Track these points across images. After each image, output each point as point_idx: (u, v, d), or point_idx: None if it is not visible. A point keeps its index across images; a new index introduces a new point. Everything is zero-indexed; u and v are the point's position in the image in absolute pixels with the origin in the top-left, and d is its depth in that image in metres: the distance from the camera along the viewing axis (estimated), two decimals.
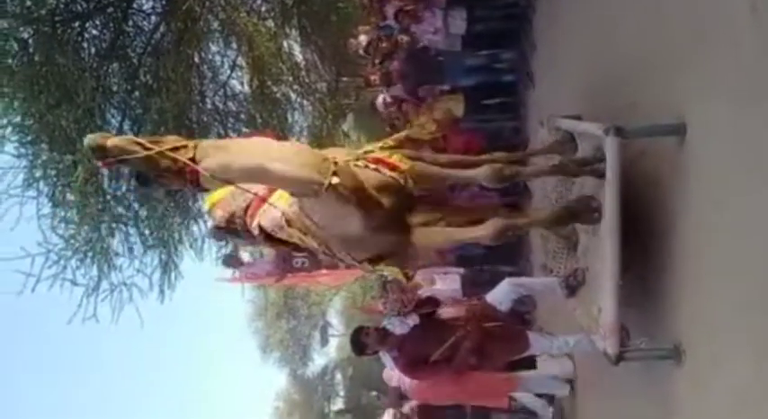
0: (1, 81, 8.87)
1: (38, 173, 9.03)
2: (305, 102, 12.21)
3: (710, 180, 2.87)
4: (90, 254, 9.17)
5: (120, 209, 9.59)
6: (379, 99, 8.08)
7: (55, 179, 9.10)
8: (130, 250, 9.64)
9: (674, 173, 3.17)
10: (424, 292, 7.64)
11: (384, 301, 5.43)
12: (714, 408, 2.83)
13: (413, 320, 4.99)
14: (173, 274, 9.99)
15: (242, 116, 11.04)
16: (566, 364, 5.59)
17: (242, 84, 11.38)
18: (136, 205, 9.75)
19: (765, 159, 2.46)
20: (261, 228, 3.71)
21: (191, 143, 3.06)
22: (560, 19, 5.84)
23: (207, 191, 3.42)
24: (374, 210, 3.36)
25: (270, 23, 11.52)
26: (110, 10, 9.62)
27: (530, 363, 5.62)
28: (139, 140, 2.99)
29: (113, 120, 9.91)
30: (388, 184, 3.46)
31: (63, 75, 8.76)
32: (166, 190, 3.56)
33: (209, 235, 9.11)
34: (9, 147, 8.89)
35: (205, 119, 10.70)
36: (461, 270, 7.86)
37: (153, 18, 10.16)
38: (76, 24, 9.32)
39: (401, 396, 8.21)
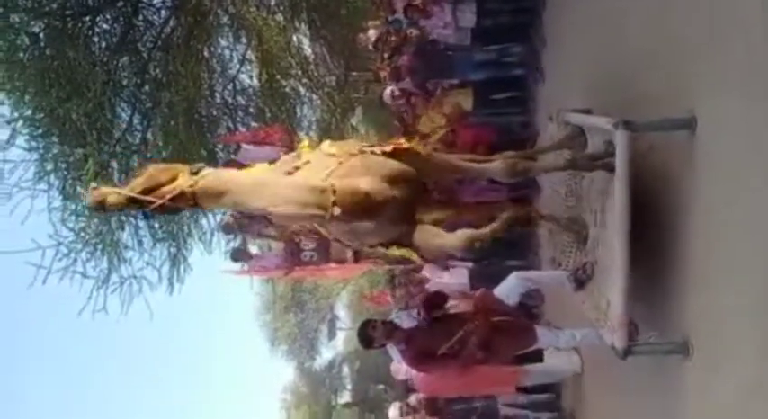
0: (12, 75, 8.93)
1: (49, 167, 9.09)
2: (314, 96, 12.23)
3: (721, 174, 2.87)
4: (100, 246, 9.23)
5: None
6: (387, 91, 8.07)
7: (65, 172, 9.16)
8: (140, 243, 9.71)
9: (684, 168, 3.16)
10: (431, 286, 7.67)
11: (392, 294, 5.45)
12: (722, 402, 2.83)
13: (420, 314, 5.00)
14: (182, 267, 10.06)
15: (251, 110, 11.06)
16: (573, 358, 5.60)
17: (251, 78, 11.41)
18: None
19: None
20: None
21: (189, 181, 3.16)
22: (570, 13, 5.82)
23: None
24: (384, 211, 3.40)
25: (279, 17, 11.54)
26: (120, 4, 9.66)
27: (537, 357, 5.63)
28: (136, 196, 3.10)
29: (123, 114, 9.97)
30: (401, 173, 3.48)
31: (73, 69, 8.81)
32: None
33: (219, 228, 9.15)
34: (20, 141, 8.96)
35: (214, 113, 10.74)
36: (469, 264, 7.86)
37: (163, 12, 10.19)
38: (87, 19, 9.36)
39: (408, 390, 8.25)
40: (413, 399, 7.70)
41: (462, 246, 3.50)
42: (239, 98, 11.08)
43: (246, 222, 6.72)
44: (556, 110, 4.45)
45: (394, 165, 3.49)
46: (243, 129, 10.50)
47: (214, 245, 10.29)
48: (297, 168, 3.62)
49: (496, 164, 3.65)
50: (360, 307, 25.44)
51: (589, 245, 3.88)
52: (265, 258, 8.42)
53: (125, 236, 9.61)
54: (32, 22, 8.96)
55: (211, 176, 3.24)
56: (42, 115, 9.06)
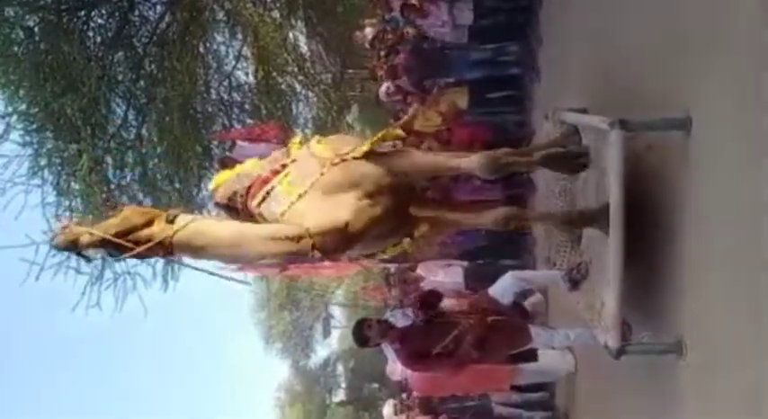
0: (7, 69, 8.90)
1: (43, 162, 9.06)
2: (310, 93, 12.21)
3: (716, 174, 2.86)
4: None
5: (125, 199, 9.61)
6: (383, 88, 8.06)
7: (60, 167, 9.14)
8: None
9: (679, 168, 3.16)
10: (426, 285, 7.67)
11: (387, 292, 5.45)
12: (716, 403, 2.83)
13: (415, 313, 5.00)
14: (176, 264, 10.01)
15: (246, 106, 11.05)
16: (567, 357, 5.60)
17: (247, 74, 11.40)
18: (140, 195, 9.77)
19: None
20: (263, 217, 3.71)
21: (165, 230, 3.12)
22: (567, 12, 5.81)
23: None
24: (372, 230, 3.39)
25: (275, 14, 11.52)
26: None
27: (531, 356, 5.63)
28: (110, 239, 3.04)
29: (118, 110, 9.94)
30: (386, 185, 3.44)
31: (68, 64, 8.79)
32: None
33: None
34: (14, 135, 8.92)
35: (210, 109, 10.72)
36: (464, 263, 7.86)
37: (158, 8, 10.16)
38: (82, 13, 9.33)
39: (403, 389, 8.25)
40: (407, 399, 7.71)
41: (483, 167, 3.45)
42: (235, 94, 11.07)
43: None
44: (551, 109, 4.44)
45: (373, 175, 3.42)
46: (238, 126, 10.48)
47: None
48: (284, 166, 3.59)
49: (474, 159, 3.49)
50: (354, 306, 25.48)
51: (584, 244, 3.87)
52: None
53: None
54: (27, 16, 8.93)
55: (189, 229, 3.17)
56: (37, 110, 9.03)
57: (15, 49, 8.85)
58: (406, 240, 3.69)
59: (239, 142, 7.69)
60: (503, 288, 5.07)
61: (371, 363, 22.49)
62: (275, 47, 11.07)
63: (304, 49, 12.54)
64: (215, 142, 10.35)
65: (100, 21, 9.65)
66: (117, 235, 3.04)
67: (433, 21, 7.41)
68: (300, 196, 3.37)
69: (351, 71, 12.49)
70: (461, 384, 5.58)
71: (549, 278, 4.68)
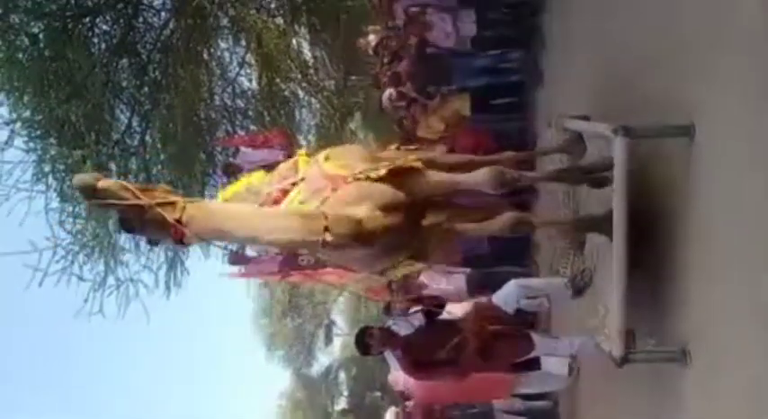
0: (11, 76, 8.93)
1: (47, 168, 9.08)
2: (313, 100, 12.24)
3: (720, 182, 2.85)
4: (97, 249, 9.21)
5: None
6: (386, 94, 8.07)
7: (63, 174, 9.15)
8: (137, 246, 9.67)
9: (684, 174, 3.15)
10: (429, 292, 7.64)
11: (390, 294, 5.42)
12: (721, 411, 2.81)
13: (418, 321, 4.98)
14: (179, 271, 10.03)
15: (250, 113, 11.07)
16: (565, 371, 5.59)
17: (250, 81, 11.43)
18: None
19: None
20: None
21: (179, 202, 3.06)
22: (569, 19, 5.82)
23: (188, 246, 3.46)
24: (382, 238, 3.36)
25: (279, 21, 11.56)
26: (120, 6, 9.67)
27: (534, 365, 5.60)
28: (130, 187, 2.99)
29: (122, 116, 9.97)
30: (396, 201, 3.44)
31: (73, 71, 8.82)
32: (148, 239, 3.61)
33: None
34: (18, 142, 8.95)
35: (213, 115, 10.75)
36: (467, 270, 7.83)
37: (163, 14, 10.21)
38: (87, 20, 9.37)
39: (405, 398, 8.21)
40: (409, 407, 7.67)
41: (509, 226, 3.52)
42: (238, 101, 11.10)
43: None
44: (555, 115, 4.43)
45: (389, 194, 3.43)
46: (242, 133, 10.50)
47: (211, 250, 10.27)
48: (293, 184, 3.60)
49: (483, 173, 3.55)
50: (357, 313, 25.43)
51: (587, 251, 3.86)
52: (263, 261, 8.39)
53: (122, 239, 9.59)
54: (32, 23, 8.97)
55: (202, 203, 3.20)
56: (41, 116, 9.06)
57: (20, 55, 8.89)
58: (418, 265, 3.70)
59: (242, 148, 7.70)
60: (506, 295, 5.04)
61: (374, 371, 22.42)
62: (279, 53, 11.10)
63: (307, 55, 12.58)
64: (219, 148, 10.37)
65: (104, 27, 9.70)
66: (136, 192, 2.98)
67: (438, 33, 7.44)
68: None
69: (354, 78, 12.51)
70: (463, 392, 5.55)
71: (553, 285, 4.66)
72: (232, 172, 7.28)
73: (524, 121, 7.50)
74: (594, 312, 3.58)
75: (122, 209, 2.98)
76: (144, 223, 2.99)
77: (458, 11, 7.36)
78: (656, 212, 3.37)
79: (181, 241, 3.06)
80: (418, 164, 3.58)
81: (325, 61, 12.55)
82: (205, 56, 10.59)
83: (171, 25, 10.11)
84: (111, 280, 9.17)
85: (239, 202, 3.79)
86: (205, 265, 10.43)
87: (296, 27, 11.89)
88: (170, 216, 2.96)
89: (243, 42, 11.20)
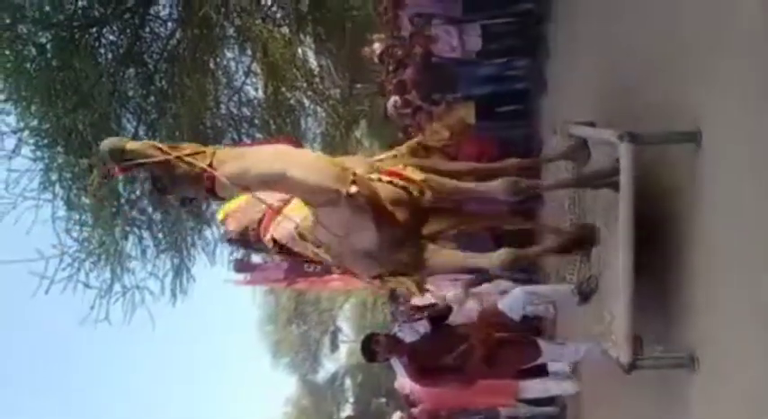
0: (19, 85, 8.99)
1: (53, 177, 9.12)
2: (318, 108, 12.28)
3: (727, 187, 2.86)
4: (103, 256, 9.24)
5: (134, 213, 9.68)
6: (391, 101, 8.10)
7: (70, 182, 9.20)
8: (143, 253, 9.72)
9: (690, 180, 3.16)
10: (434, 300, 7.63)
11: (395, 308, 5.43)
12: (723, 414, 2.81)
13: (423, 328, 4.99)
14: (185, 278, 10.06)
15: (256, 122, 11.11)
16: (569, 382, 5.60)
17: (256, 89, 11.47)
18: (150, 209, 9.83)
19: None
20: (274, 241, 3.73)
21: (208, 150, 3.08)
22: (575, 27, 5.84)
23: (222, 199, 3.43)
24: (389, 225, 3.38)
25: (285, 30, 11.61)
26: (127, 16, 9.74)
27: (541, 371, 5.60)
28: (158, 145, 3.00)
29: (129, 125, 10.02)
30: (402, 199, 3.47)
31: (80, 80, 8.88)
32: (182, 198, 3.56)
33: (223, 239, 9.16)
34: (26, 150, 9.00)
35: (219, 124, 10.79)
36: (473, 277, 7.82)
37: (169, 24, 10.28)
38: (94, 30, 9.44)
39: (411, 404, 8.19)
40: (415, 411, 7.65)
41: (503, 264, 3.44)
42: (244, 110, 11.14)
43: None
44: (559, 122, 4.45)
45: (395, 192, 3.47)
46: (247, 141, 10.54)
47: (217, 257, 10.30)
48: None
49: (499, 183, 3.59)
50: (362, 320, 25.39)
51: (594, 257, 3.87)
52: (268, 268, 8.41)
53: (129, 247, 9.63)
54: (40, 33, 9.04)
55: (231, 148, 3.21)
56: (48, 125, 9.12)
57: (28, 65, 8.96)
58: (414, 279, 3.70)
59: None
60: (512, 302, 5.05)
61: (379, 378, 22.36)
62: (284, 62, 11.15)
63: (313, 64, 12.63)
64: None
65: (111, 37, 9.76)
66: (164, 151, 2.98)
67: (443, 46, 7.47)
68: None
69: (359, 86, 12.55)
70: (469, 398, 5.56)
71: (559, 292, 4.66)
72: None
73: (529, 129, 7.51)
74: (601, 318, 3.58)
75: (154, 167, 2.96)
76: (174, 179, 2.99)
77: (463, 23, 7.39)
78: (660, 217, 3.38)
79: (212, 190, 3.03)
80: (421, 177, 3.60)
81: (330, 70, 12.60)
82: (211, 65, 10.64)
83: (177, 35, 10.17)
84: (117, 287, 9.21)
85: (239, 216, 3.81)
86: (211, 272, 10.47)
87: (301, 36, 11.95)
88: (200, 163, 2.97)
89: (249, 51, 11.25)
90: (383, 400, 24.68)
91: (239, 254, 9.22)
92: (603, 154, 3.67)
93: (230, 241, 3.91)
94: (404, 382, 6.09)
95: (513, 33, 7.32)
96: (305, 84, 11.78)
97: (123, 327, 9.00)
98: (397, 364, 5.13)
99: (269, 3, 11.46)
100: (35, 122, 9.19)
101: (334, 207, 3.22)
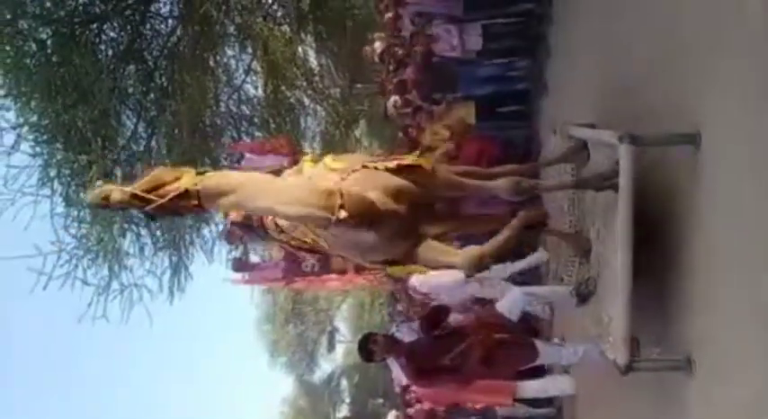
0: (19, 81, 8.98)
1: (52, 173, 9.11)
2: (318, 107, 12.28)
3: (726, 189, 2.86)
4: (101, 253, 9.23)
5: (132, 210, 9.65)
6: (391, 101, 8.09)
7: (69, 178, 9.18)
8: (141, 251, 9.70)
9: (689, 183, 3.15)
10: (433, 300, 7.63)
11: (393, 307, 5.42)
12: (722, 415, 2.80)
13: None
14: (183, 276, 10.04)
15: (255, 120, 11.11)
16: (567, 378, 5.59)
17: (256, 88, 11.47)
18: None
19: None
20: (276, 225, 3.73)
21: (191, 186, 3.13)
22: (575, 28, 5.84)
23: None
24: (388, 223, 3.38)
25: (285, 29, 11.61)
26: (127, 12, 9.73)
27: (539, 373, 5.58)
28: (139, 193, 3.09)
29: (128, 122, 10.01)
30: (405, 189, 3.47)
31: (80, 76, 8.87)
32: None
33: (222, 236, 9.15)
34: (25, 146, 8.99)
35: (219, 122, 10.79)
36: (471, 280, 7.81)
37: (170, 21, 10.27)
38: (94, 26, 9.43)
39: (407, 404, 8.19)
40: (410, 410, 7.66)
41: (472, 265, 3.45)
42: (244, 108, 11.13)
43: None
44: (559, 123, 4.44)
45: (398, 182, 3.47)
46: (247, 139, 10.54)
47: (215, 255, 10.29)
48: None
49: (500, 183, 3.61)
50: (360, 320, 25.39)
51: (592, 259, 3.86)
52: (266, 268, 8.41)
53: (126, 244, 9.62)
54: (40, 29, 9.03)
55: (217, 175, 3.25)
56: (48, 121, 9.10)
57: (28, 61, 8.95)
58: (412, 266, 3.71)
59: (248, 154, 7.72)
60: (511, 303, 5.04)
61: (376, 378, 22.37)
62: (285, 61, 11.15)
63: (313, 63, 12.63)
64: (224, 155, 10.40)
65: (112, 34, 9.76)
66: (147, 190, 3.09)
67: (443, 46, 7.46)
68: None
69: (359, 86, 12.55)
70: (465, 396, 5.56)
71: (558, 293, 4.65)
72: None
73: (530, 130, 7.51)
74: (599, 320, 3.57)
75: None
76: (164, 214, 3.21)
77: (464, 23, 7.38)
78: (660, 217, 3.37)
79: (200, 207, 3.20)
80: (427, 163, 3.61)
81: (330, 69, 12.61)
82: (211, 63, 10.64)
83: (178, 32, 10.16)
84: (115, 284, 9.20)
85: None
86: (209, 271, 10.47)
87: (302, 35, 11.95)
88: (187, 203, 3.12)
89: (249, 50, 11.25)
90: (380, 401, 24.68)
91: (237, 252, 9.21)
92: (603, 155, 3.66)
93: (233, 224, 3.91)
94: (400, 375, 6.09)
95: (514, 33, 7.31)
96: (305, 83, 11.79)
97: (121, 325, 9.00)
98: (393, 364, 5.12)
99: (270, 1, 11.45)
100: (35, 118, 9.18)
101: (325, 228, 3.31)
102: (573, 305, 4.05)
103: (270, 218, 3.71)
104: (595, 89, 4.89)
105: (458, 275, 7.03)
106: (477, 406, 6.60)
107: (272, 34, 10.94)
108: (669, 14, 3.54)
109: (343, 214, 3.18)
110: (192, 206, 3.13)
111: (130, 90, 9.97)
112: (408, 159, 3.61)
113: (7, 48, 8.82)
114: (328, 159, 3.72)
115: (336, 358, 29.48)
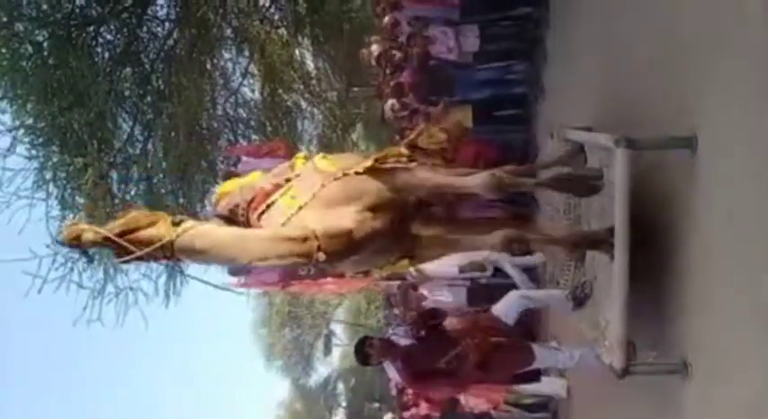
0: (15, 83, 8.96)
1: (48, 175, 9.08)
2: (315, 110, 12.28)
3: (721, 194, 2.86)
4: (97, 256, 9.19)
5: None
6: (388, 104, 8.09)
7: (65, 181, 9.16)
8: None
9: (685, 186, 3.15)
10: (428, 304, 7.62)
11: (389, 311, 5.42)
12: (721, 416, 2.80)
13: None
14: (178, 279, 10.01)
15: (252, 123, 11.10)
16: (560, 381, 5.60)
17: (253, 91, 11.47)
18: (144, 210, 9.79)
19: None
20: (261, 226, 3.72)
21: (165, 238, 3.10)
22: (573, 32, 5.85)
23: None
24: (370, 244, 3.40)
25: (282, 32, 11.61)
26: (124, 15, 9.72)
27: (534, 377, 5.58)
28: (111, 236, 3.05)
29: (125, 125, 10.00)
30: (387, 200, 3.48)
31: (76, 79, 8.85)
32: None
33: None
34: (20, 149, 8.96)
35: (216, 125, 10.78)
36: (467, 282, 7.81)
37: (167, 24, 10.26)
38: (91, 29, 9.42)
39: (403, 407, 8.18)
40: (407, 414, 7.65)
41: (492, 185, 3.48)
42: (241, 111, 11.13)
43: None
44: (556, 127, 4.44)
45: (375, 190, 3.47)
46: (243, 142, 10.53)
47: None
48: (287, 180, 3.64)
49: (482, 177, 3.58)
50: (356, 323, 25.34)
51: (588, 263, 3.85)
52: (263, 272, 8.37)
53: None
54: (36, 32, 9.02)
55: (192, 232, 3.16)
56: (44, 124, 9.09)
57: (24, 63, 8.93)
58: (405, 260, 3.71)
59: (244, 157, 7.71)
60: (506, 307, 5.03)
61: (372, 382, 22.34)
62: (282, 64, 11.16)
63: (310, 66, 12.64)
64: (220, 158, 10.40)
65: (108, 36, 9.75)
66: (120, 234, 3.05)
67: (440, 47, 7.46)
68: (301, 208, 3.41)
69: (356, 89, 12.56)
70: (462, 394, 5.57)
71: (554, 297, 4.65)
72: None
73: (527, 134, 7.51)
74: (595, 324, 3.57)
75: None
76: (132, 261, 3.16)
77: (460, 25, 7.38)
78: (656, 221, 3.37)
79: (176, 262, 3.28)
80: (405, 152, 3.61)
81: (327, 72, 12.61)
82: (208, 66, 10.64)
83: (174, 35, 10.16)
84: (110, 287, 9.16)
85: (232, 196, 3.80)
86: (204, 274, 10.42)
87: (299, 38, 11.95)
88: (158, 255, 3.10)
89: (246, 53, 11.25)
90: (376, 404, 24.64)
91: None
92: (599, 159, 3.66)
93: (218, 217, 3.88)
94: (397, 379, 6.09)
95: (511, 37, 7.32)
96: (302, 86, 11.79)
97: (116, 328, 8.96)
98: (390, 368, 5.11)
99: (267, 4, 11.46)
100: (30, 121, 9.16)
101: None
102: (569, 309, 4.04)
103: (255, 214, 3.69)
104: (593, 92, 4.90)
105: (462, 300, 7.08)
106: (474, 411, 6.61)
107: (269, 37, 10.95)
108: (669, 14, 3.54)
109: (322, 257, 3.20)
110: (162, 258, 3.11)
111: (127, 93, 9.96)
112: (383, 152, 3.62)
113: (3, 50, 8.81)
114: (317, 158, 3.74)
115: (333, 362, 29.45)
